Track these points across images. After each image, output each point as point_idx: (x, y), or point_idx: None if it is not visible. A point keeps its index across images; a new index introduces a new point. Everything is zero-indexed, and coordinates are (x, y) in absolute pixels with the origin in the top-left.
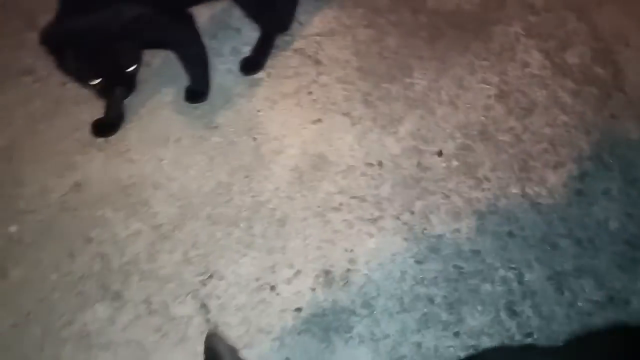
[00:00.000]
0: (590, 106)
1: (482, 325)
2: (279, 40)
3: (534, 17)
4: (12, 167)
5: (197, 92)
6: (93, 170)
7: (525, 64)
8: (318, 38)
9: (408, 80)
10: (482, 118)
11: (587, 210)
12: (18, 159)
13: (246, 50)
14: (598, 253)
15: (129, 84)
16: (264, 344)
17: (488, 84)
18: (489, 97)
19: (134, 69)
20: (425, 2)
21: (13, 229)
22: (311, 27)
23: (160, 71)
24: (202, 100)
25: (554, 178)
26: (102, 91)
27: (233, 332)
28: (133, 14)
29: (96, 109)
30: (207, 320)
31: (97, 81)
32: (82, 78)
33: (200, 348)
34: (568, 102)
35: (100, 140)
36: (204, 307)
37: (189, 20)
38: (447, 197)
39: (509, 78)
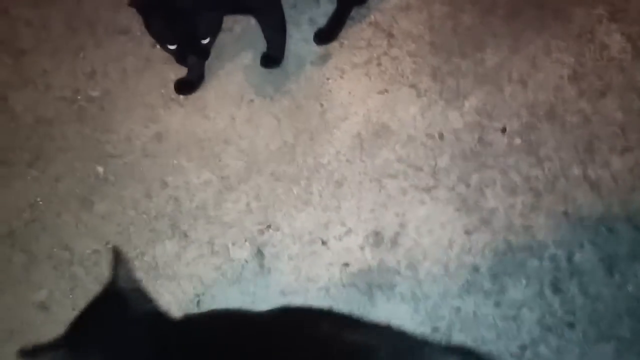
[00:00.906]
0: None
1: (524, 297)
2: (355, 12)
3: (621, 0)
4: (103, 114)
5: (272, 58)
6: (173, 123)
7: (605, 47)
8: (394, 12)
9: (479, 56)
10: (552, 98)
11: None
12: (109, 108)
13: (322, 21)
14: None
15: (202, 54)
16: (310, 292)
17: (562, 65)
18: (561, 77)
19: (209, 42)
20: None
21: (100, 169)
22: (388, 1)
23: (240, 37)
24: (276, 66)
25: (619, 163)
26: (177, 56)
27: (284, 279)
28: None
29: (180, 69)
30: (262, 266)
31: (173, 47)
32: (160, 41)
33: (253, 289)
34: None
35: (182, 97)
36: (259, 253)
37: None
38: (505, 173)
39: (585, 60)
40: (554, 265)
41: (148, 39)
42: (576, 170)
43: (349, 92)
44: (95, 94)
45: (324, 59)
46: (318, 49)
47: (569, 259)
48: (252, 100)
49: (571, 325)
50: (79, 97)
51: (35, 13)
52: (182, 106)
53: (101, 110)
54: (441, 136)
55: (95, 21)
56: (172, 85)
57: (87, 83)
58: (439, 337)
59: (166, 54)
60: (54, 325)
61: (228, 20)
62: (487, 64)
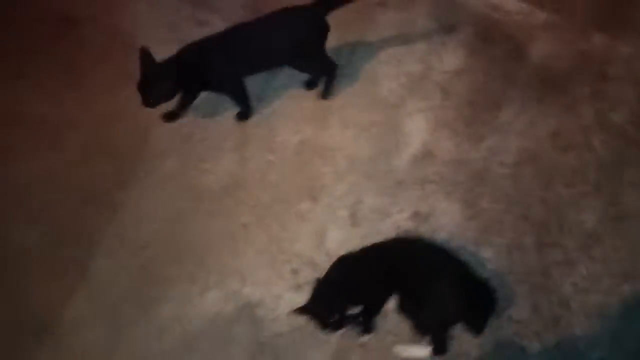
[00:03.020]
0: None
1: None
2: None
3: None
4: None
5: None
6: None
7: None
8: None
9: None
10: None
11: None
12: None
13: None
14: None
15: None
16: None
17: None
18: None
19: None
20: None
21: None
22: None
23: None
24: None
25: None
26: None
27: None
28: None
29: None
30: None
31: None
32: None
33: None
34: None
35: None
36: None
37: None
38: None
39: None
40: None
41: (295, 78)
42: None
43: None
44: (264, 110)
45: None
46: None
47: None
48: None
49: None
50: (256, 111)
51: None
52: (316, 123)
53: (268, 121)
54: None
55: None
56: (309, 109)
57: (260, 103)
58: None
59: None
60: None
61: None
62: None
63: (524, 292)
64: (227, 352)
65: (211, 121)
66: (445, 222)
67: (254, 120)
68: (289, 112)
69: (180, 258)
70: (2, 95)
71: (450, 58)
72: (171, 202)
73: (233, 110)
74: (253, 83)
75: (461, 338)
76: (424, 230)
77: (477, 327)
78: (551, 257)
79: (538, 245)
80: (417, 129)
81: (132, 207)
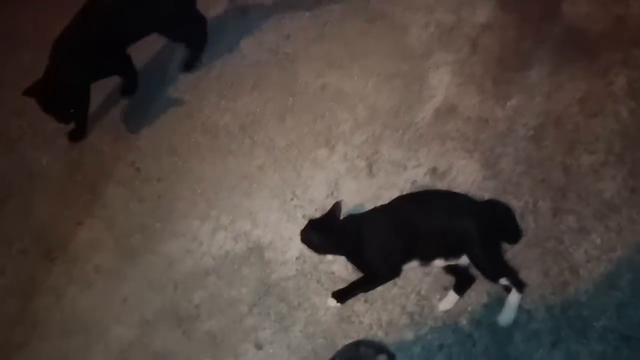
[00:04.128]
0: None
1: None
2: None
3: None
4: (292, 66)
5: None
6: (332, 80)
7: None
8: None
9: None
10: None
11: None
12: (296, 62)
13: None
14: None
15: None
16: None
17: None
18: None
19: None
20: None
21: (291, 99)
22: None
23: None
24: None
25: None
26: None
27: None
28: None
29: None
30: None
31: None
32: None
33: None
34: None
35: (345, 62)
36: None
37: None
38: None
39: None
40: None
41: (323, 20)
42: None
43: None
44: (288, 50)
45: None
46: None
47: None
48: None
49: None
50: (279, 51)
51: None
52: (340, 68)
53: (291, 63)
54: None
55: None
56: (334, 54)
57: (285, 43)
58: None
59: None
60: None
61: None
62: None
63: (535, 256)
64: (235, 290)
65: (232, 58)
66: (462, 180)
67: (277, 59)
68: (314, 55)
69: (194, 194)
70: (27, 19)
71: (483, 11)
72: (188, 137)
73: (253, 48)
74: (277, 22)
75: (465, 297)
76: (440, 187)
77: (514, 237)
78: (566, 223)
79: (554, 211)
80: (442, 83)
81: (149, 139)
